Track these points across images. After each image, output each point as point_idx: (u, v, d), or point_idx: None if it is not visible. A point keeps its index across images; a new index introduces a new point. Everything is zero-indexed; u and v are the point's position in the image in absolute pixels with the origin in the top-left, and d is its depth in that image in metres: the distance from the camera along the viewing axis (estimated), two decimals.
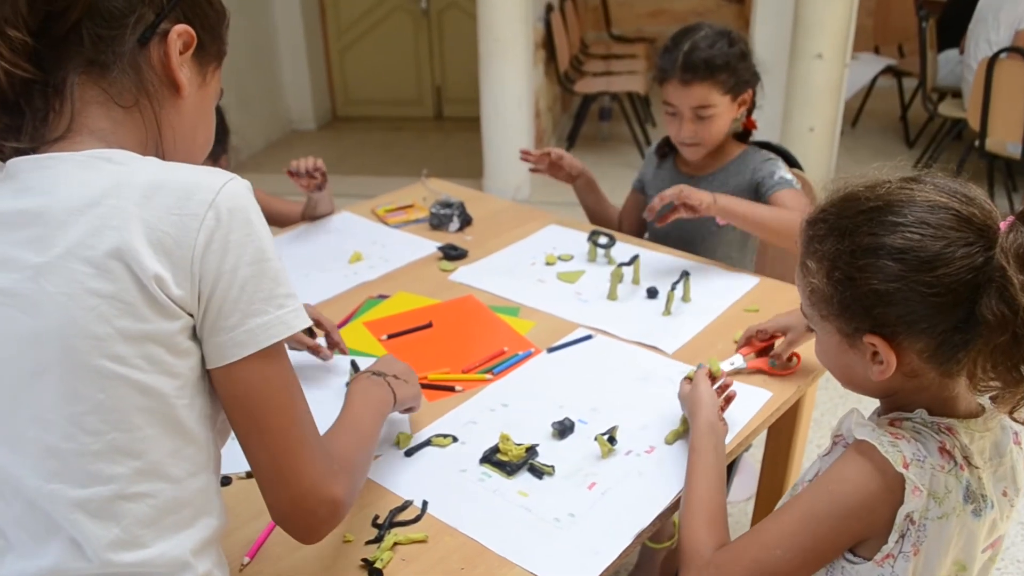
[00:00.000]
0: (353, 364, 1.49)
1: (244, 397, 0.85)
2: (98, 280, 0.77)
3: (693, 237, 1.99)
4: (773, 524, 0.98)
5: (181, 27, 0.87)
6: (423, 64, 6.33)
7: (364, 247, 2.00)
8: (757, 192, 1.88)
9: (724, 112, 1.85)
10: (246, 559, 1.08)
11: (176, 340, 0.81)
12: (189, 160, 0.92)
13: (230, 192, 0.82)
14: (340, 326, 1.65)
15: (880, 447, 0.92)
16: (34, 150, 0.86)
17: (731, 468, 2.00)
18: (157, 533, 0.83)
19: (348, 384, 1.33)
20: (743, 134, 1.99)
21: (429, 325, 1.64)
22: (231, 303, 0.81)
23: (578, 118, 5.28)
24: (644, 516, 1.13)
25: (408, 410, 1.29)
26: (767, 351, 1.47)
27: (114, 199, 0.79)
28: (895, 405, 0.99)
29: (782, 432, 1.69)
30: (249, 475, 1.24)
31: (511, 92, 4.43)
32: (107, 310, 0.78)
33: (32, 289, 0.78)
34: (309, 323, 0.89)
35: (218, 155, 2.07)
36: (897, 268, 0.89)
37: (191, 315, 0.82)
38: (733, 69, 1.81)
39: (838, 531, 0.94)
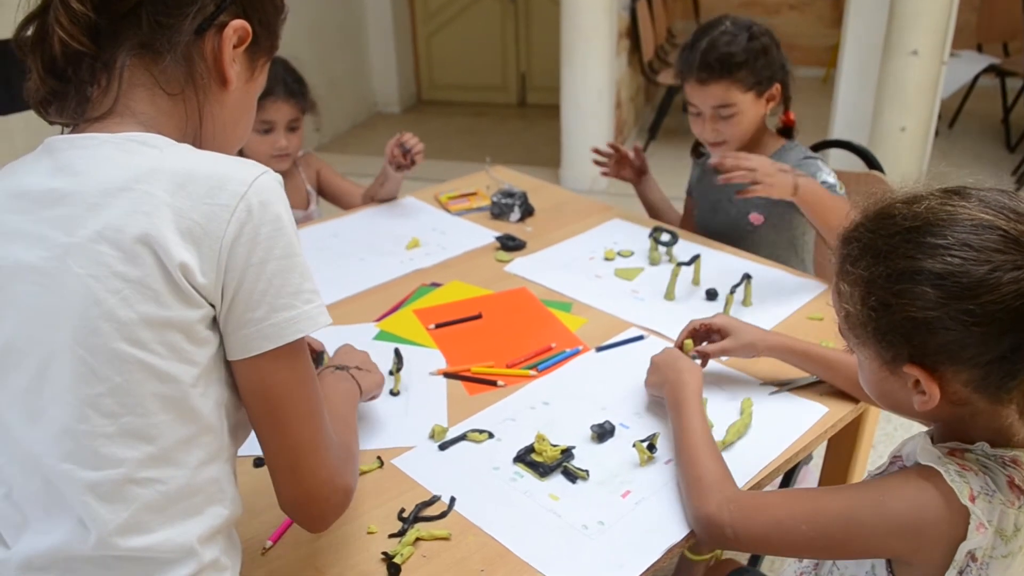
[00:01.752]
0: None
1: (266, 390, 0.85)
2: (125, 264, 0.78)
3: (727, 239, 1.92)
4: (811, 501, 0.95)
5: (239, 22, 0.88)
6: (509, 50, 6.30)
7: (423, 233, 1.98)
8: None
9: (748, 110, 1.78)
10: (269, 543, 1.08)
11: (196, 329, 0.81)
12: (224, 150, 0.92)
13: (262, 186, 0.82)
14: (390, 313, 1.64)
15: (946, 475, 0.85)
16: (73, 128, 0.86)
17: (791, 477, 1.92)
18: (164, 519, 0.83)
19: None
20: (785, 130, 1.91)
21: (479, 316, 1.62)
22: (259, 296, 0.81)
23: (661, 110, 5.17)
24: (677, 531, 1.08)
25: (371, 398, 1.29)
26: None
27: (146, 184, 0.79)
28: (951, 433, 0.92)
29: (843, 444, 1.61)
30: None
31: (592, 81, 4.36)
32: (131, 294, 0.78)
33: (59, 268, 0.79)
34: (331, 320, 0.89)
35: (311, 103, 2.14)
36: (936, 295, 0.82)
37: (213, 305, 0.82)
38: (753, 66, 1.74)
39: (875, 542, 0.89)
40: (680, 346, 1.38)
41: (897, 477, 0.91)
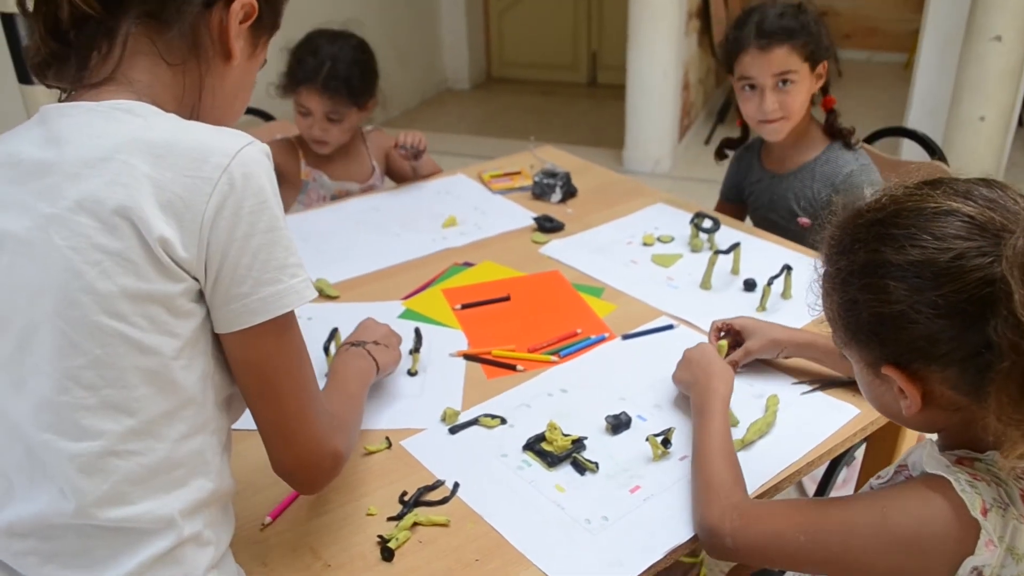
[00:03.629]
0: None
1: (256, 363, 0.85)
2: (104, 236, 0.77)
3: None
4: (812, 510, 0.90)
5: None
6: (580, 29, 6.21)
7: (463, 212, 1.96)
8: None
9: (804, 81, 1.74)
10: (268, 519, 1.07)
11: (178, 302, 0.80)
12: (221, 123, 0.90)
13: (246, 157, 0.80)
14: (419, 291, 1.62)
15: (956, 484, 0.79)
16: (69, 94, 0.86)
17: (829, 479, 1.85)
18: (145, 491, 0.82)
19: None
20: (833, 129, 1.83)
21: (507, 298, 1.59)
22: (243, 270, 0.81)
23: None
24: (683, 531, 1.04)
25: (387, 374, 1.30)
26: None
27: (126, 155, 0.78)
28: (957, 441, 0.85)
29: (885, 442, 1.54)
30: None
31: (659, 62, 4.26)
32: (111, 267, 0.77)
33: (41, 239, 0.78)
34: (316, 294, 0.88)
35: (365, 100, 2.06)
36: (901, 288, 0.77)
37: (196, 279, 0.81)
38: (810, 33, 1.71)
39: (875, 555, 0.83)
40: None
41: (901, 488, 0.85)
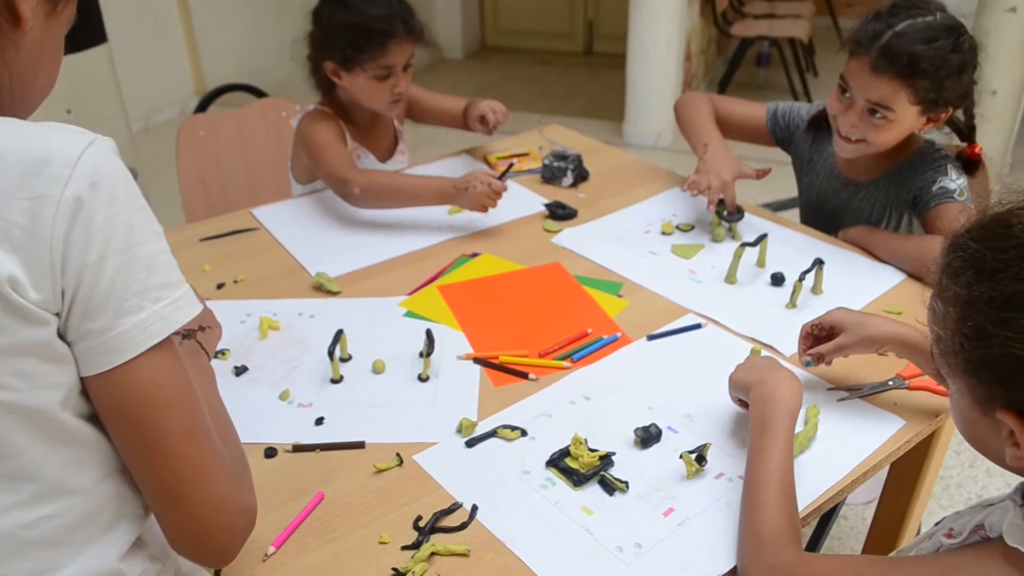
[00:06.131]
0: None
1: (129, 409, 0.71)
2: None
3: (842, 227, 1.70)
4: (869, 570, 0.81)
5: None
6: None
7: None
8: (915, 206, 1.58)
9: (904, 121, 1.49)
10: (272, 549, 0.98)
11: (51, 347, 0.68)
12: (25, 106, 0.77)
13: (90, 163, 0.67)
14: (425, 285, 1.53)
15: None
16: None
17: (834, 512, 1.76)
18: (74, 551, 0.73)
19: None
20: (967, 163, 1.60)
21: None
22: (99, 301, 0.68)
23: (733, 63, 4.90)
24: (724, 559, 0.96)
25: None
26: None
27: None
28: None
29: (909, 469, 1.44)
30: (297, 448, 1.14)
31: (661, 31, 4.14)
32: None
33: None
34: (197, 310, 0.74)
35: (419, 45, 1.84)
36: None
37: (58, 315, 0.68)
38: (941, 81, 1.43)
39: None
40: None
41: (973, 554, 0.75)
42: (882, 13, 1.47)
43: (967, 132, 1.59)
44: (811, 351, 1.20)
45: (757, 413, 1.06)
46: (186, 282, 0.74)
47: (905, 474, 1.51)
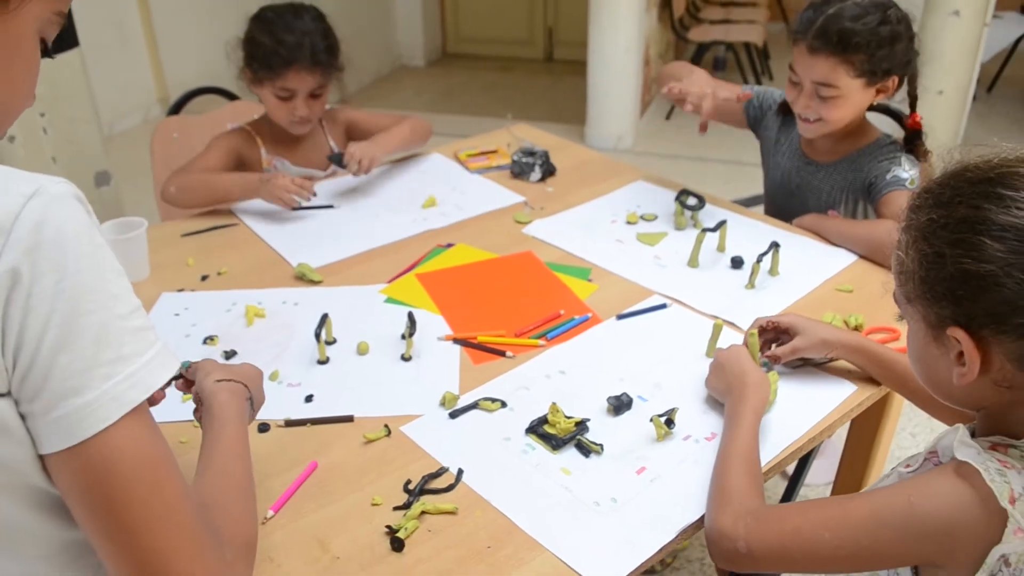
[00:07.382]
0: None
1: (88, 491, 0.64)
2: None
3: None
4: (832, 507, 0.89)
5: None
6: (536, 4, 6.17)
7: (442, 192, 1.93)
8: (869, 192, 1.69)
9: (852, 96, 1.61)
10: (270, 512, 1.04)
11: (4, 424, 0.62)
12: None
13: (31, 221, 0.59)
14: (402, 274, 1.59)
15: (986, 474, 0.79)
16: None
17: (812, 451, 1.87)
18: None
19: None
20: (911, 135, 1.70)
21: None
22: (37, 382, 0.61)
23: None
24: (692, 511, 1.04)
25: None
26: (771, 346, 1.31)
27: None
28: (994, 426, 0.86)
29: (868, 420, 1.56)
30: (289, 423, 1.20)
31: (621, 37, 4.25)
32: None
33: None
34: (158, 385, 0.66)
35: (340, 69, 1.98)
36: (996, 248, 0.76)
37: (8, 393, 0.62)
38: (873, 52, 1.56)
39: (904, 546, 0.83)
40: (745, 342, 1.27)
41: (929, 476, 0.84)
42: (817, 2, 1.61)
43: (911, 101, 1.71)
44: (768, 354, 1.29)
45: (729, 411, 1.14)
46: (152, 347, 0.66)
47: (859, 451, 1.61)
